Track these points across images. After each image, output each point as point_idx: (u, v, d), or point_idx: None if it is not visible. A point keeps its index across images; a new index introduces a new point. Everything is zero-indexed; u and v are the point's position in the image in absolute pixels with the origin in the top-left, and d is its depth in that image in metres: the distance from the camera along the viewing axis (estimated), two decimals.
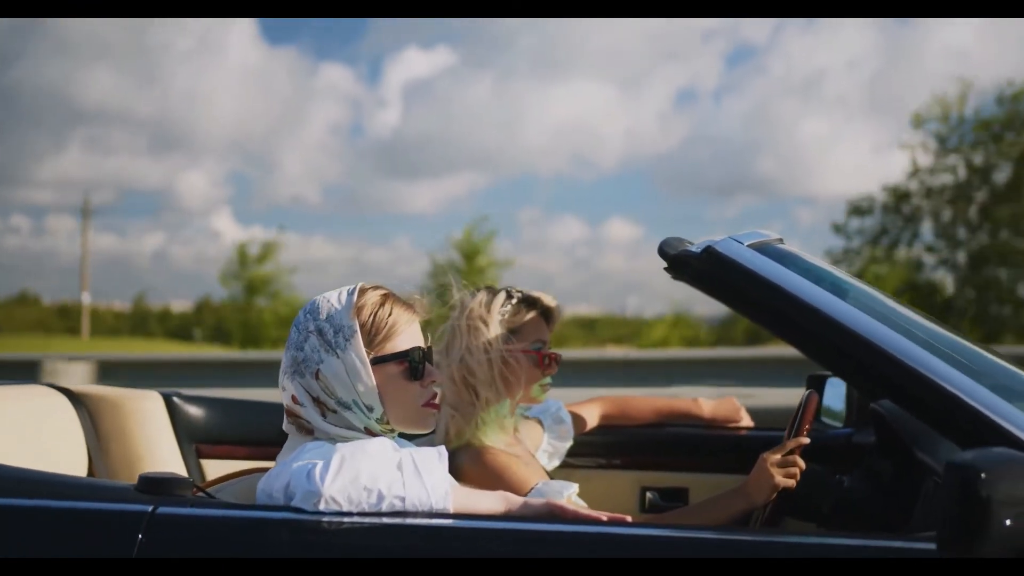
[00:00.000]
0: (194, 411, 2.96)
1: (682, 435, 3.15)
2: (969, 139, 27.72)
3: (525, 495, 2.49)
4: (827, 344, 1.93)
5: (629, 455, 3.13)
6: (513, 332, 2.68)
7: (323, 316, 2.12)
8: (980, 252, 27.50)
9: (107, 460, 2.76)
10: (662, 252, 2.01)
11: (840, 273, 2.45)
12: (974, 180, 27.93)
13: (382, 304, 2.15)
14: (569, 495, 2.52)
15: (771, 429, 3.10)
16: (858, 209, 29.01)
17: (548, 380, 2.75)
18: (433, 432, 2.71)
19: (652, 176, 51.02)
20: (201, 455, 2.97)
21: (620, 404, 3.18)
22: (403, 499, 1.90)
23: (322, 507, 1.86)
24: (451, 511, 1.91)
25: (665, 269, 2.01)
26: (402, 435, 2.20)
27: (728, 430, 3.15)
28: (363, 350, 2.09)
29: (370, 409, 2.10)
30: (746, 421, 3.18)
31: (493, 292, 2.72)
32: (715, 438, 3.13)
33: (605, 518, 1.92)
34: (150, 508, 1.84)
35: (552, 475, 2.89)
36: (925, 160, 28.12)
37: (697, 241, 2.12)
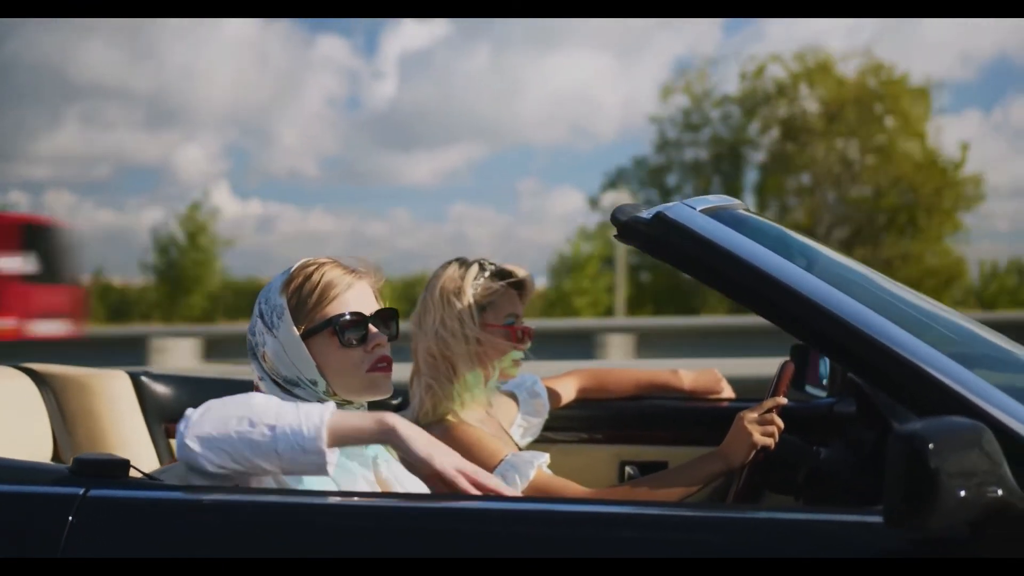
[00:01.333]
0: (163, 390, 2.91)
1: (662, 407, 3.09)
2: (716, 114, 28.40)
3: (494, 468, 2.45)
4: (782, 310, 1.86)
5: (608, 429, 3.07)
6: (486, 305, 2.62)
7: (263, 298, 2.08)
8: None
9: (73, 442, 2.72)
10: (614, 218, 1.95)
11: (808, 241, 2.38)
12: (723, 154, 27.98)
13: (310, 276, 2.09)
14: (540, 464, 2.47)
15: (753, 400, 3.03)
16: (613, 183, 29.00)
17: (521, 355, 2.70)
18: (407, 406, 2.67)
19: (651, 145, 50.85)
20: (171, 435, 2.92)
21: (598, 376, 3.12)
22: (273, 427, 1.80)
23: (193, 447, 1.81)
24: (325, 437, 1.81)
25: (615, 236, 1.94)
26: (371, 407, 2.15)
27: (709, 401, 3.09)
28: (292, 326, 2.04)
29: (314, 383, 2.05)
30: (727, 392, 3.12)
31: (465, 264, 2.66)
32: (695, 410, 3.07)
33: (483, 485, 1.88)
34: (82, 491, 1.79)
35: (529, 449, 2.84)
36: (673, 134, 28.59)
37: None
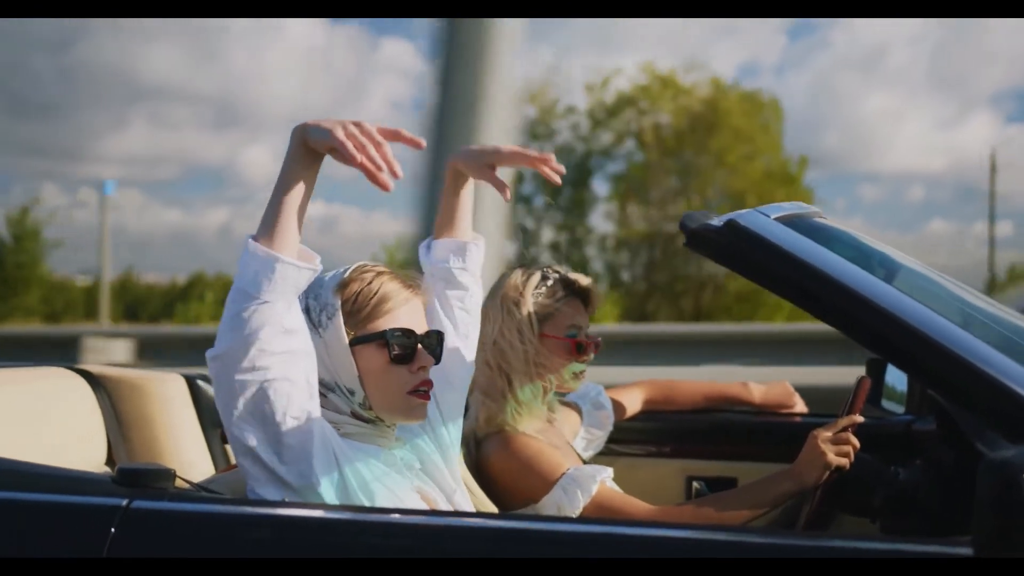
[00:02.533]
0: None
1: (731, 421, 2.98)
2: (564, 125, 27.97)
3: (555, 481, 2.38)
4: (864, 326, 1.75)
5: (675, 442, 2.97)
6: (547, 316, 2.53)
7: (312, 293, 2.00)
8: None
9: (128, 446, 2.67)
10: (683, 226, 1.85)
11: (891, 251, 2.26)
12: (568, 167, 27.62)
13: (371, 281, 2.01)
14: (603, 479, 2.38)
15: (826, 415, 2.91)
16: None
17: (583, 367, 2.60)
18: (466, 418, 2.59)
19: None
20: (227, 440, 2.87)
21: (665, 388, 3.02)
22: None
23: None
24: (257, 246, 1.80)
25: (685, 244, 1.85)
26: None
27: (780, 416, 2.97)
28: (343, 329, 1.96)
29: (351, 393, 1.97)
30: (799, 406, 3.00)
31: (528, 272, 2.57)
32: (766, 425, 2.95)
33: None
34: (124, 502, 1.73)
35: (592, 463, 2.74)
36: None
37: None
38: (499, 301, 2.53)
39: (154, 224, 47.74)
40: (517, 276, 2.55)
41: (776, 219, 1.83)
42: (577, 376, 2.58)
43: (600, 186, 30.13)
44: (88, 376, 2.68)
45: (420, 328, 2.04)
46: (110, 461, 2.64)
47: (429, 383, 2.03)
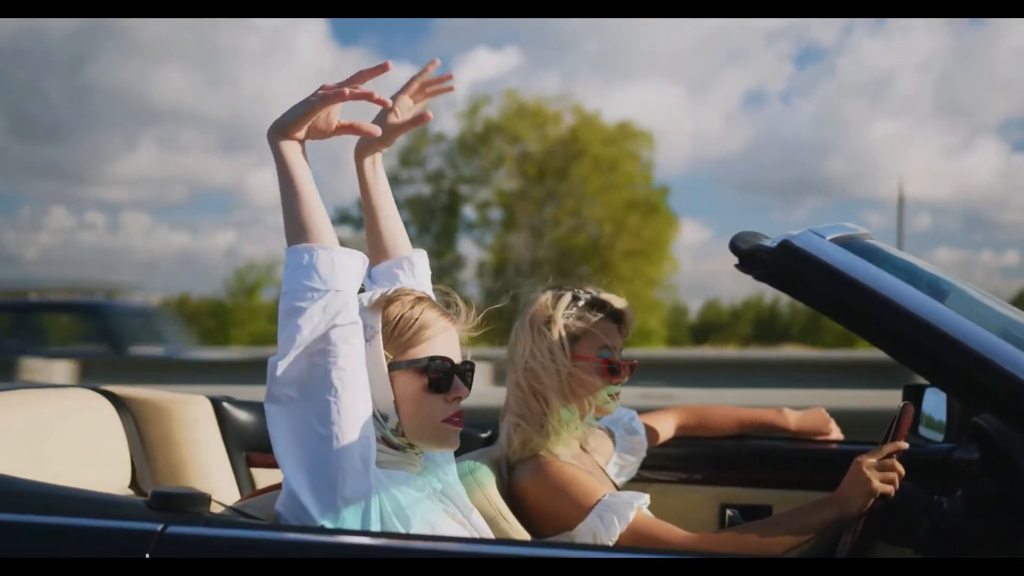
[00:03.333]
0: (245, 417, 2.81)
1: (764, 447, 2.92)
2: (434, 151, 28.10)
3: (591, 508, 2.32)
4: (923, 350, 1.70)
5: (708, 469, 2.90)
6: (578, 337, 2.47)
7: None
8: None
9: (152, 468, 2.62)
10: (734, 247, 1.80)
11: (937, 271, 2.20)
12: (439, 193, 27.96)
13: (412, 306, 1.97)
14: (640, 505, 2.33)
15: (863, 443, 2.85)
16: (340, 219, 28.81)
17: (618, 389, 2.54)
18: (497, 442, 2.54)
19: (720, 178, 50.45)
20: (252, 464, 2.82)
21: (699, 414, 2.96)
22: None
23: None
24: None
25: (737, 266, 1.79)
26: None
27: (815, 443, 2.91)
28: (382, 352, 1.91)
29: (385, 418, 1.92)
30: (836, 434, 2.93)
31: (558, 293, 2.51)
32: (800, 451, 2.89)
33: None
34: (160, 527, 1.68)
35: (625, 489, 2.68)
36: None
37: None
38: (528, 321, 2.47)
39: (163, 245, 47.83)
40: (547, 297, 2.50)
41: (832, 240, 1.78)
42: (613, 398, 2.52)
43: (470, 212, 29.93)
44: (113, 398, 2.64)
45: (456, 358, 2.01)
46: (133, 484, 2.59)
47: (461, 413, 1.99)
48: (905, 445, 2.25)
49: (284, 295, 1.79)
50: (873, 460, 2.22)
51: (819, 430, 2.92)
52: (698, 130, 47.87)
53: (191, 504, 1.72)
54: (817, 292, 1.75)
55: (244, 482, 2.76)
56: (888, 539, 2.39)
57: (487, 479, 2.37)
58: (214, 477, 2.66)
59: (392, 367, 1.93)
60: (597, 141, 27.05)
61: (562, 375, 2.42)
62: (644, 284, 27.50)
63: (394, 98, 2.24)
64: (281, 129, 1.86)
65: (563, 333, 2.44)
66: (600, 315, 2.49)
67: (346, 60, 48.90)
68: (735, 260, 1.81)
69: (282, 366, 1.77)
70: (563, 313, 2.46)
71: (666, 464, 2.90)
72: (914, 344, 1.69)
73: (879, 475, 2.21)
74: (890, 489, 2.21)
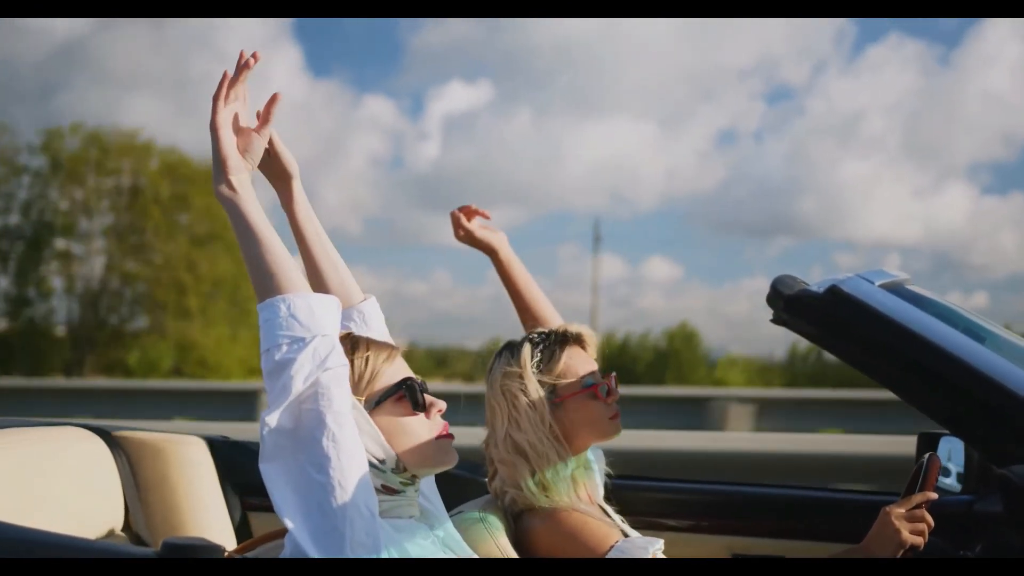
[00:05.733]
0: (242, 458, 2.70)
1: (780, 497, 2.84)
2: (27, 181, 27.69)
3: (605, 553, 2.24)
4: (970, 400, 1.63)
5: (720, 517, 2.82)
6: (558, 379, 2.38)
7: None
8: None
9: (145, 511, 2.51)
10: (775, 292, 1.73)
11: (974, 316, 2.14)
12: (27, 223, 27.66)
13: (353, 349, 1.93)
14: (655, 551, 2.25)
15: (883, 493, 2.77)
16: None
17: (615, 410, 2.42)
18: (496, 499, 2.44)
19: (691, 215, 50.80)
20: (248, 508, 2.71)
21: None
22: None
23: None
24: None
25: (777, 313, 1.72)
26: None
27: (828, 492, 2.84)
28: (353, 397, 1.86)
29: (382, 461, 1.87)
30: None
31: (514, 346, 2.42)
32: (817, 500, 2.81)
33: None
34: None
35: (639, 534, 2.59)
36: None
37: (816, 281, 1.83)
38: (499, 391, 2.39)
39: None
40: (507, 358, 2.41)
41: (881, 286, 1.71)
42: (613, 420, 2.43)
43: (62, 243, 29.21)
44: (106, 436, 2.53)
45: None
46: (127, 527, 2.49)
47: (447, 424, 1.97)
48: (934, 495, 2.19)
49: (267, 352, 1.73)
50: (902, 510, 2.16)
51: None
52: (670, 167, 48.13)
53: (205, 555, 1.62)
54: (867, 343, 1.68)
55: (241, 525, 2.66)
56: None
57: (497, 528, 2.29)
58: (210, 520, 2.56)
59: (368, 407, 1.88)
60: (157, 176, 27.22)
61: (547, 436, 2.34)
62: (228, 322, 27.58)
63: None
64: (219, 180, 1.83)
65: (538, 388, 2.35)
66: (565, 346, 2.41)
67: (320, 90, 48.94)
68: (774, 310, 1.74)
69: (274, 420, 1.70)
70: (531, 364, 2.38)
71: (676, 511, 2.82)
72: (958, 392, 1.62)
73: (908, 526, 2.14)
74: (920, 541, 2.14)
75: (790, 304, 1.71)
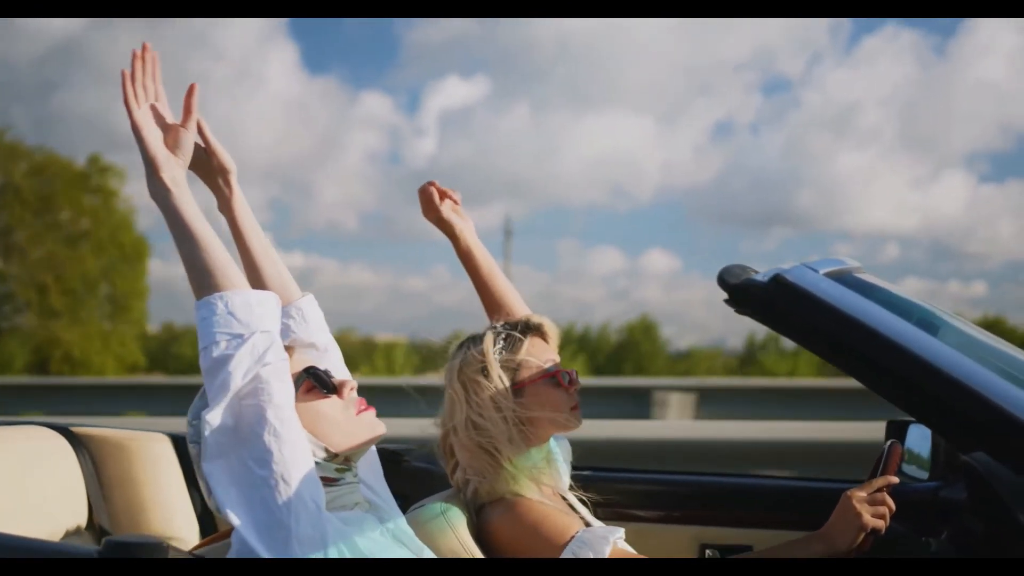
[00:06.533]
0: None
1: (749, 486, 2.84)
2: None
3: (565, 545, 2.23)
4: (919, 389, 1.63)
5: (688, 507, 2.82)
6: (519, 365, 2.37)
7: None
8: None
9: (110, 509, 2.51)
10: (722, 281, 1.72)
11: (929, 306, 2.14)
12: None
13: None
14: (615, 540, 2.25)
15: (852, 481, 2.77)
16: None
17: (575, 400, 2.41)
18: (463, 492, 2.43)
19: (689, 208, 50.78)
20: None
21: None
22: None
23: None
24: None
25: (726, 301, 1.72)
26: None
27: (800, 481, 2.84)
28: None
29: (314, 454, 1.85)
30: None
31: (476, 338, 2.42)
32: (786, 490, 2.81)
33: None
34: None
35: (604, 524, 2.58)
36: None
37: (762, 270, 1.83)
38: (458, 379, 2.38)
39: None
40: (468, 348, 2.40)
41: (826, 274, 1.70)
42: (574, 410, 2.42)
43: None
44: (69, 435, 2.52)
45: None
46: (90, 525, 2.48)
47: (363, 399, 1.99)
48: (895, 479, 2.18)
49: (205, 349, 1.73)
50: (863, 494, 2.16)
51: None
52: (667, 160, 48.18)
53: (147, 553, 1.61)
54: (809, 329, 1.68)
55: (206, 521, 2.65)
56: None
57: (459, 521, 2.28)
58: (175, 516, 2.56)
59: None
60: (26, 177, 27.04)
61: (510, 420, 2.33)
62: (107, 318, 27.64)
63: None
64: (151, 180, 1.83)
65: (501, 376, 2.35)
66: (527, 335, 2.41)
67: (316, 87, 48.87)
68: (723, 295, 1.74)
69: (215, 417, 1.71)
70: (494, 351, 2.37)
71: (646, 502, 2.82)
72: (913, 385, 1.62)
73: (870, 509, 2.14)
74: (881, 524, 2.14)
75: (735, 294, 1.70)
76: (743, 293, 1.70)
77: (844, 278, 1.73)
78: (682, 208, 51.34)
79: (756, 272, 1.77)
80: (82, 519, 2.46)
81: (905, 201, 45.92)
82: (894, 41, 44.68)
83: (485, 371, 2.35)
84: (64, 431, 2.52)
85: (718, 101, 46.75)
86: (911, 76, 45.86)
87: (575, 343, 28.05)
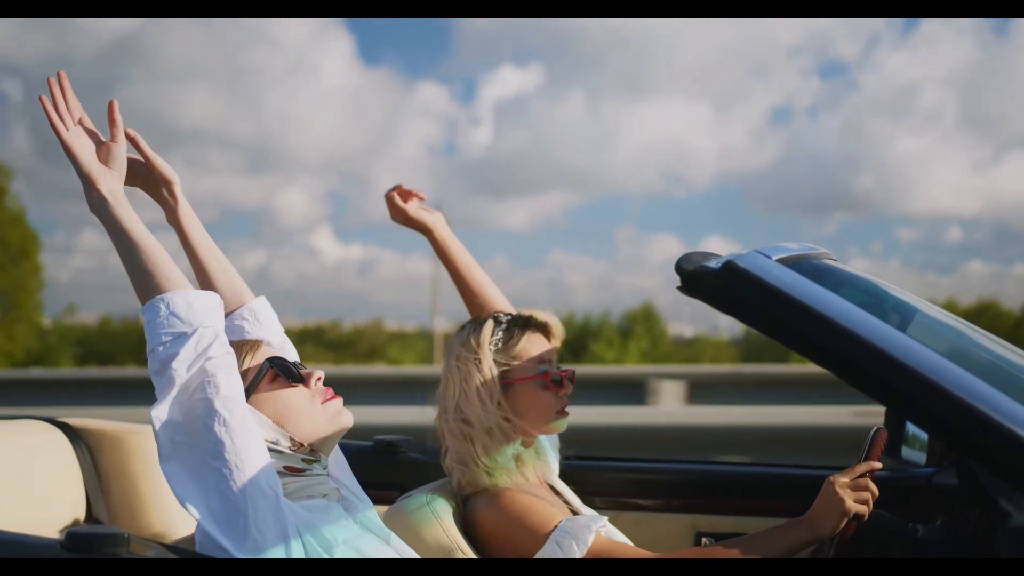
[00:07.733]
0: None
1: (745, 474, 2.84)
2: None
3: (548, 535, 2.25)
4: (867, 373, 1.62)
5: (684, 496, 2.82)
6: (512, 359, 2.39)
7: None
8: None
9: (108, 501, 2.55)
10: (678, 267, 1.72)
11: (906, 295, 2.12)
12: None
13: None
14: (598, 528, 2.26)
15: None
16: None
17: (564, 403, 2.44)
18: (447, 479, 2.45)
19: (746, 194, 50.33)
20: None
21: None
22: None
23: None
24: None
25: (678, 287, 1.72)
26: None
27: (799, 468, 2.82)
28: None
29: (276, 443, 1.91)
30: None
31: (478, 322, 2.44)
32: (783, 478, 2.80)
33: None
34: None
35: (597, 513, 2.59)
36: None
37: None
38: (454, 363, 2.40)
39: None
40: (468, 332, 2.43)
41: (779, 260, 1.70)
42: (561, 414, 2.44)
43: None
44: (67, 429, 2.56)
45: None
46: (90, 519, 2.52)
47: (331, 389, 2.01)
48: (878, 465, 2.17)
49: (151, 352, 1.78)
50: (846, 479, 2.15)
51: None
52: (723, 146, 47.87)
53: (107, 545, 1.64)
54: (755, 314, 1.67)
55: None
56: None
57: (444, 511, 2.30)
58: (172, 511, 2.59)
59: (247, 393, 1.91)
60: None
61: (492, 419, 2.35)
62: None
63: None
64: (89, 195, 1.87)
65: (493, 366, 2.37)
66: (527, 332, 2.42)
67: (372, 78, 49.03)
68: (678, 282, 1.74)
69: (163, 414, 1.75)
70: (490, 342, 2.39)
71: (640, 490, 2.82)
72: (856, 366, 1.61)
73: (852, 495, 2.13)
74: (864, 509, 2.13)
75: (688, 281, 1.70)
76: (695, 279, 1.70)
77: (799, 264, 1.73)
78: (740, 194, 51.01)
79: (710, 260, 1.76)
80: (81, 512, 2.50)
81: (967, 183, 45.26)
82: (953, 22, 43.97)
83: (478, 361, 2.37)
84: (61, 424, 2.56)
85: (774, 85, 46.34)
86: (971, 56, 45.17)
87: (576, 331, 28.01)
